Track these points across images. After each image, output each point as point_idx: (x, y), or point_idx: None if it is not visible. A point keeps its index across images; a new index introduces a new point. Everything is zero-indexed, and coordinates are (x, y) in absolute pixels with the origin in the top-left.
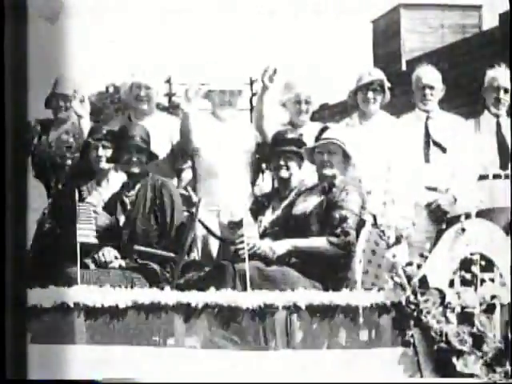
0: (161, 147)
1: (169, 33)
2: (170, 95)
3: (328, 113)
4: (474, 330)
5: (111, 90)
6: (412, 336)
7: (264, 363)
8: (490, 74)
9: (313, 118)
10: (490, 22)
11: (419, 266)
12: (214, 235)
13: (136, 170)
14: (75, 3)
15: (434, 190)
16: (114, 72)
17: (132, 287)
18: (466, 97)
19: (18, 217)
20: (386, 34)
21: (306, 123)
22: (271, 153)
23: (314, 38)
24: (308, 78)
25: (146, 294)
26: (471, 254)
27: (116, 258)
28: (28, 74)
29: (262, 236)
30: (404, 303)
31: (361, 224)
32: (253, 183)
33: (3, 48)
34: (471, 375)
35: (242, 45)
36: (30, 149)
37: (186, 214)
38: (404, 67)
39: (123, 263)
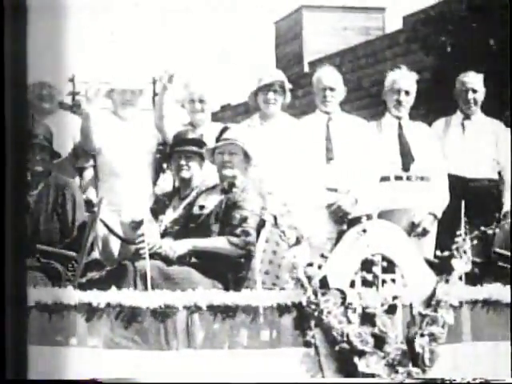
0: (63, 146)
1: (72, 31)
2: (73, 94)
3: (230, 113)
4: (376, 330)
5: None
6: (313, 336)
7: (165, 363)
8: (391, 76)
9: (215, 119)
10: (394, 24)
11: (320, 267)
12: (115, 234)
13: (39, 168)
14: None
15: (335, 190)
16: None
17: (35, 287)
18: (369, 99)
19: (18, 216)
20: (288, 36)
21: (205, 123)
22: (172, 152)
23: (217, 38)
24: (203, 78)
25: (49, 294)
26: (372, 255)
27: None
28: (28, 74)
29: (163, 235)
30: (305, 303)
31: (261, 224)
32: (154, 183)
33: (3, 48)
34: (373, 375)
35: (145, 44)
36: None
37: (87, 213)
38: (306, 69)
39: (26, 262)
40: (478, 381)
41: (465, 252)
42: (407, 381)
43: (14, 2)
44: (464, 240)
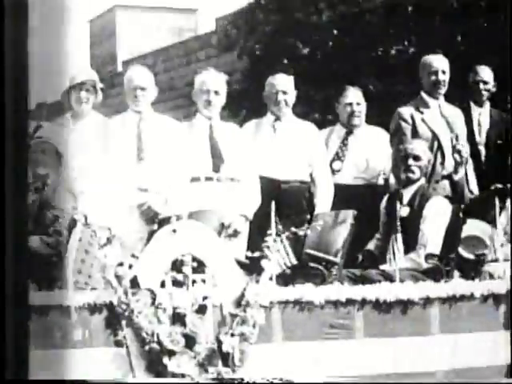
0: None
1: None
2: None
3: (46, 112)
4: (187, 330)
5: None
6: (124, 336)
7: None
8: (200, 77)
9: (31, 117)
10: (206, 26)
11: (131, 267)
12: None
13: None
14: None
15: (146, 190)
16: None
17: None
18: (181, 99)
19: (18, 215)
20: (102, 35)
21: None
22: None
23: (32, 36)
24: (19, 76)
25: None
26: (182, 255)
27: None
28: (28, 74)
29: None
30: (116, 303)
31: (73, 224)
32: None
33: (3, 47)
34: (183, 375)
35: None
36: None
37: None
38: (120, 68)
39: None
40: (277, 380)
41: (276, 252)
42: (202, 381)
43: (14, 2)
44: (274, 241)
